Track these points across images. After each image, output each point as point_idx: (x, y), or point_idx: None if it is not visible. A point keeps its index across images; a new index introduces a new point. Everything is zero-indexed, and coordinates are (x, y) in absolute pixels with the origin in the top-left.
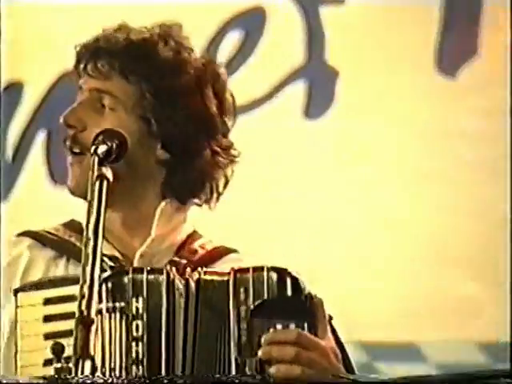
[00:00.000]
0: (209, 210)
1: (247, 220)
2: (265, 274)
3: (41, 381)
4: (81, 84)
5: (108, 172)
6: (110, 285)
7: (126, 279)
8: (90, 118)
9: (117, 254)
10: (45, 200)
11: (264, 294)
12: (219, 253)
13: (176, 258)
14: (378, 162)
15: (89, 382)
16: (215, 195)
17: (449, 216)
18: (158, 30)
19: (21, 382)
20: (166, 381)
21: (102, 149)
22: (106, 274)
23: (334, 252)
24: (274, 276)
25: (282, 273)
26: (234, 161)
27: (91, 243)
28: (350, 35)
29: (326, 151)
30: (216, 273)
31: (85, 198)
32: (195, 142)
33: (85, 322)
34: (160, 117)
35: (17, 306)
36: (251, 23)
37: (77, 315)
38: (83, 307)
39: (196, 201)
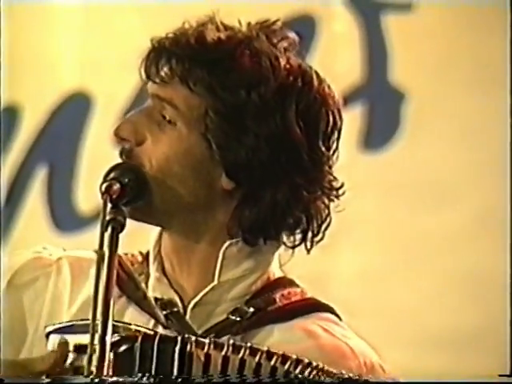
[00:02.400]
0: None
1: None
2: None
3: (43, 381)
4: (147, 88)
5: (122, 216)
6: (118, 353)
7: (134, 348)
8: (150, 130)
9: (174, 297)
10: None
11: None
12: (305, 307)
13: (244, 308)
14: (456, 205)
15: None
16: (309, 236)
17: None
18: (246, 29)
19: (22, 382)
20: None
21: (115, 188)
22: (114, 339)
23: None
24: None
25: None
26: (330, 195)
27: (102, 305)
28: (420, 49)
29: (389, 190)
30: (277, 355)
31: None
32: (267, 171)
33: None
34: (223, 140)
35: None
36: (297, 35)
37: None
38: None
39: (285, 241)
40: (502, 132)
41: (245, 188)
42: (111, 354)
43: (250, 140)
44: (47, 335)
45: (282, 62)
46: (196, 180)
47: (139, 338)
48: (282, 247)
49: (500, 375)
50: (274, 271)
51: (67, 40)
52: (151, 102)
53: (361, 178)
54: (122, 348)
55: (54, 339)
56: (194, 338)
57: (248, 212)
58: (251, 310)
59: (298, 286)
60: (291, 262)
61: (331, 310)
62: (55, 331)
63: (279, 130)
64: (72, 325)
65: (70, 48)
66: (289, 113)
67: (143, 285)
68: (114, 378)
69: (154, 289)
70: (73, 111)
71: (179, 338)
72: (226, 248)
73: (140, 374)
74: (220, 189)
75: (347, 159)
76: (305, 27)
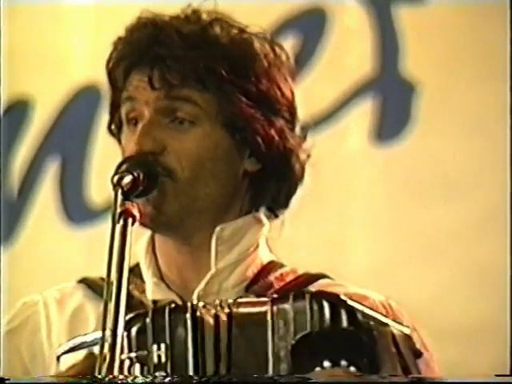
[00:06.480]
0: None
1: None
2: (307, 302)
3: (45, 381)
4: (131, 95)
5: (134, 209)
6: (133, 329)
7: (147, 322)
8: (166, 135)
9: (173, 297)
10: (57, 245)
11: (307, 326)
12: (302, 282)
13: (245, 295)
14: (466, 197)
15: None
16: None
17: None
18: (206, 15)
19: (23, 381)
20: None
21: (127, 180)
22: (128, 317)
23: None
24: (320, 305)
25: (332, 300)
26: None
27: (113, 297)
28: (432, 42)
29: (400, 182)
30: (252, 303)
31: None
32: (288, 143)
33: None
34: (256, 124)
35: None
36: (308, 27)
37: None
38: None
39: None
40: None
41: (269, 165)
42: (126, 331)
43: (275, 118)
44: (58, 358)
45: (256, 34)
46: (226, 172)
47: (150, 312)
48: (267, 228)
49: (496, 375)
50: (264, 256)
51: (78, 32)
52: (153, 111)
53: (372, 170)
54: (136, 325)
55: (66, 358)
56: (202, 304)
57: (273, 188)
58: (253, 297)
59: (286, 266)
60: (299, 256)
61: (325, 276)
62: (65, 352)
63: (286, 104)
64: (80, 343)
65: (80, 41)
66: (282, 80)
67: (137, 292)
68: (124, 380)
69: (153, 293)
70: (84, 104)
71: (189, 305)
72: (219, 233)
73: (155, 347)
74: (241, 175)
75: (358, 151)
76: (316, 20)
